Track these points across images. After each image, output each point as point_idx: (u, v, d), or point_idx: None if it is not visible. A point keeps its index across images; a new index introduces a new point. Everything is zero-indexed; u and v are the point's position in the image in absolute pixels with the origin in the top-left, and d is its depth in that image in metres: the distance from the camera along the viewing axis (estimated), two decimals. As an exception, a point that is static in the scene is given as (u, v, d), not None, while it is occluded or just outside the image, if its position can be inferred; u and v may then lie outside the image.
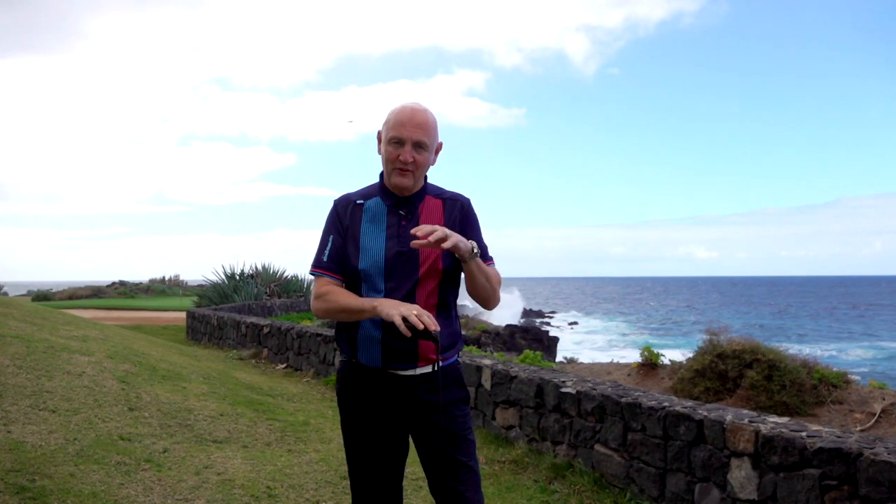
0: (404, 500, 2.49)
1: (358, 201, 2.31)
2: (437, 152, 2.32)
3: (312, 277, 2.32)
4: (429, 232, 2.03)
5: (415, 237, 2.17)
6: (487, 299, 2.28)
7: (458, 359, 2.36)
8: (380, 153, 2.30)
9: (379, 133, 2.32)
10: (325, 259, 2.27)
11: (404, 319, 2.02)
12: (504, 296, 3.00)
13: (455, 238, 2.07)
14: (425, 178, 2.33)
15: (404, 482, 2.44)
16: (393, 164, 2.22)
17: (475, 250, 2.16)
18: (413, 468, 3.93)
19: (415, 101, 2.29)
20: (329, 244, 2.28)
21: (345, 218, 2.28)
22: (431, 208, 2.30)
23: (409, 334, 2.03)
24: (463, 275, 2.28)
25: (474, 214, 2.36)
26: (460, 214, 2.31)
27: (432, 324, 2.04)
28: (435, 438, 2.23)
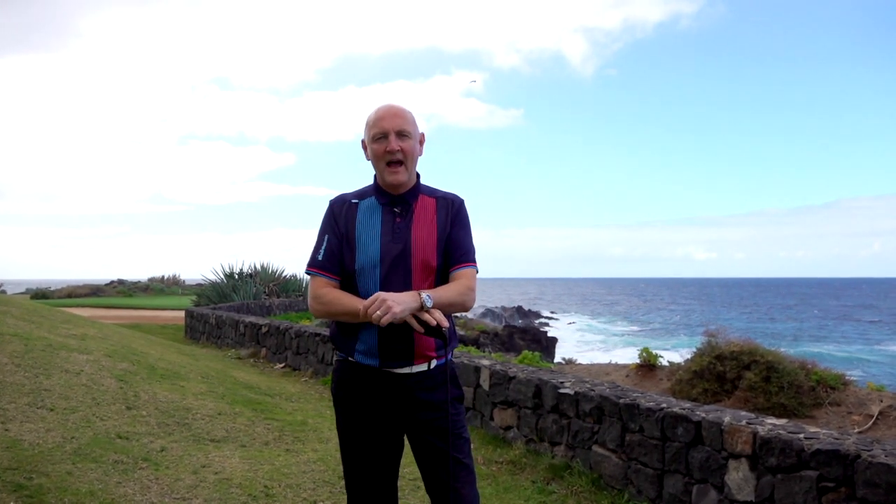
0: (401, 500, 2.50)
1: (353, 201, 2.34)
2: (421, 143, 2.36)
3: (310, 277, 2.34)
4: (372, 309, 2.01)
5: (409, 235, 2.24)
6: (461, 311, 2.33)
7: (452, 357, 2.38)
8: (368, 159, 2.34)
9: (363, 141, 2.36)
10: (320, 258, 2.29)
11: (416, 317, 2.06)
12: None
13: (395, 312, 2.01)
14: (418, 176, 2.36)
15: (402, 482, 2.45)
16: (383, 160, 2.25)
17: (425, 305, 2.10)
18: (411, 468, 3.93)
19: (388, 101, 2.36)
20: (324, 243, 2.30)
21: (340, 217, 2.31)
22: (425, 207, 2.33)
23: (421, 330, 2.08)
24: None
25: (465, 214, 2.38)
26: (451, 213, 2.33)
27: (444, 320, 2.09)
28: (431, 436, 2.24)
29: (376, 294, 2.06)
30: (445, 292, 2.20)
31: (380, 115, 2.28)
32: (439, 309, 2.14)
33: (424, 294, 2.12)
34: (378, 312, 2.00)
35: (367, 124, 2.31)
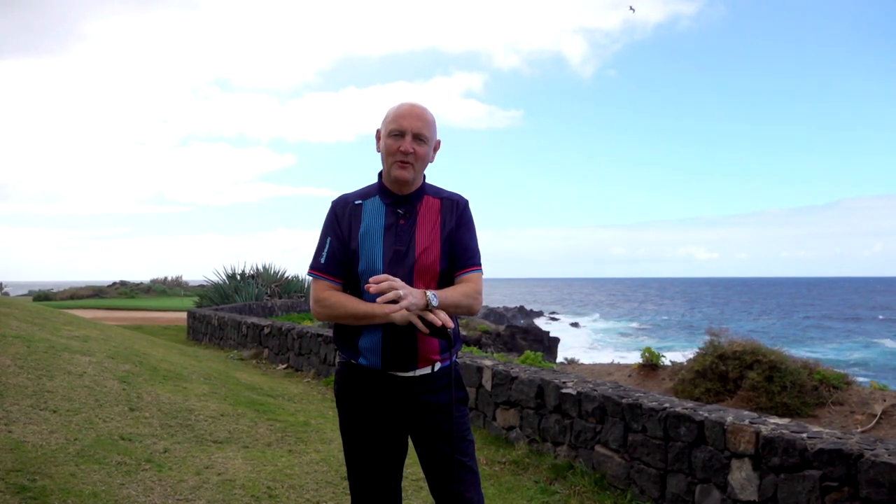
0: (404, 501, 2.49)
1: (356, 202, 2.31)
2: (435, 150, 2.33)
3: (312, 280, 2.32)
4: (385, 289, 2.02)
5: (413, 236, 2.22)
6: (467, 314, 2.31)
7: (457, 359, 2.37)
8: (379, 150, 2.31)
9: (377, 132, 2.33)
10: (322, 261, 2.26)
11: (421, 318, 2.06)
12: None
13: (405, 303, 2.03)
14: (423, 177, 2.34)
15: (405, 483, 2.44)
16: (394, 157, 2.23)
17: (430, 305, 2.10)
18: (414, 469, 3.93)
19: (413, 100, 2.33)
20: (327, 246, 2.27)
21: (343, 219, 2.28)
22: (429, 207, 2.31)
23: (426, 331, 2.07)
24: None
25: (469, 216, 2.36)
26: (455, 214, 2.32)
27: (448, 321, 2.08)
28: (434, 439, 2.23)
29: (389, 278, 2.05)
30: (452, 293, 2.18)
31: (401, 112, 2.25)
32: (445, 310, 2.13)
33: (430, 293, 2.10)
34: (390, 299, 1.99)
35: (387, 118, 2.27)
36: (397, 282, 2.05)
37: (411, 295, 2.05)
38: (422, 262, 2.21)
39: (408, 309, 2.04)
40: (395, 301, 2.01)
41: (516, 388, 5.44)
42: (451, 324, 2.09)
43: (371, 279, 2.05)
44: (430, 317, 2.06)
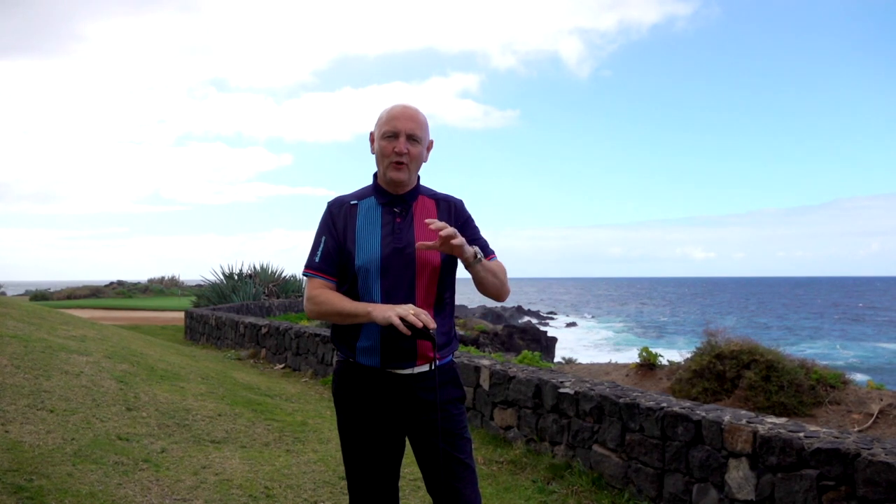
0: (402, 501, 2.49)
1: (352, 202, 2.33)
2: (428, 149, 2.36)
3: (306, 279, 2.34)
4: (440, 227, 2.06)
5: (410, 235, 2.23)
6: (498, 294, 2.32)
7: (454, 358, 2.37)
8: (373, 153, 2.34)
9: (371, 134, 2.35)
10: (317, 260, 2.28)
11: (402, 319, 2.04)
12: None
13: (462, 239, 2.10)
14: (418, 177, 2.36)
15: (402, 482, 2.44)
16: (388, 159, 2.25)
17: (478, 255, 2.18)
18: (411, 468, 3.93)
19: (405, 101, 2.36)
20: (322, 245, 2.29)
21: (338, 219, 2.30)
22: (425, 207, 2.33)
23: (408, 333, 2.05)
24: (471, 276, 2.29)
25: (468, 212, 2.41)
26: (455, 214, 2.35)
27: (430, 322, 2.06)
28: (432, 436, 2.24)
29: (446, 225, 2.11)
30: (494, 263, 2.28)
31: (394, 114, 2.27)
32: (488, 270, 2.22)
33: (478, 249, 2.20)
34: (446, 233, 2.05)
35: (380, 120, 2.30)
36: (452, 228, 2.10)
37: (466, 245, 2.13)
38: (421, 260, 2.22)
39: (462, 249, 2.11)
40: (451, 236, 2.06)
41: (514, 387, 5.44)
42: (432, 325, 2.06)
43: (427, 220, 2.13)
44: (411, 318, 2.03)
